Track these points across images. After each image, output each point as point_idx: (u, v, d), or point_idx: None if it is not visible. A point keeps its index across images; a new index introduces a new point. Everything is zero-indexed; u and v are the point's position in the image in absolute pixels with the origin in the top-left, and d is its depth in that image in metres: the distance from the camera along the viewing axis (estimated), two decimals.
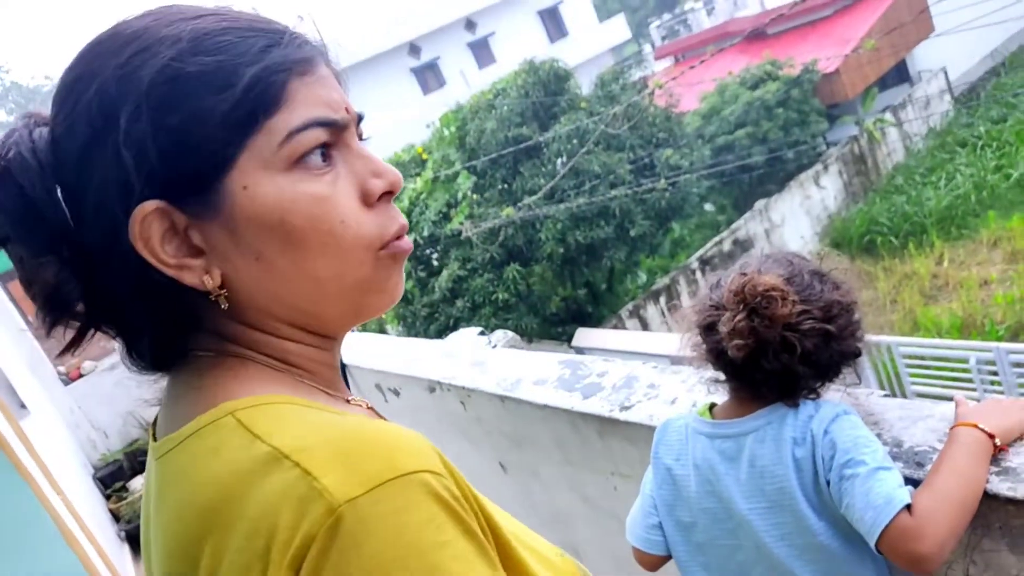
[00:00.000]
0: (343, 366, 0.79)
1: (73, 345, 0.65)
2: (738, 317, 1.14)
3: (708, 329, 1.21)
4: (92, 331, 0.64)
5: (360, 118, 0.66)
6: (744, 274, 1.17)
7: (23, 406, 3.47)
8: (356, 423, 0.56)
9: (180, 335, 0.63)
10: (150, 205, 0.56)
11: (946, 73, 16.87)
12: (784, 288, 1.13)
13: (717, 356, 1.20)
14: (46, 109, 0.62)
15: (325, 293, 0.62)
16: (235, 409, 0.56)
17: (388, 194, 0.64)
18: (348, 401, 0.68)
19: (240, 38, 0.59)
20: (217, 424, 0.56)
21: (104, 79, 0.57)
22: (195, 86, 0.56)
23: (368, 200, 0.62)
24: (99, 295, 0.61)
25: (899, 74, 17.36)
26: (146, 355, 0.65)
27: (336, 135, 0.61)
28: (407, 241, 0.66)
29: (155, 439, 0.64)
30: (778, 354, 1.13)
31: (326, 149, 0.61)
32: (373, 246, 0.62)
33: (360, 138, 0.66)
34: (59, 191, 0.59)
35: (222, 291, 0.60)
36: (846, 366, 1.20)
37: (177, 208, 0.57)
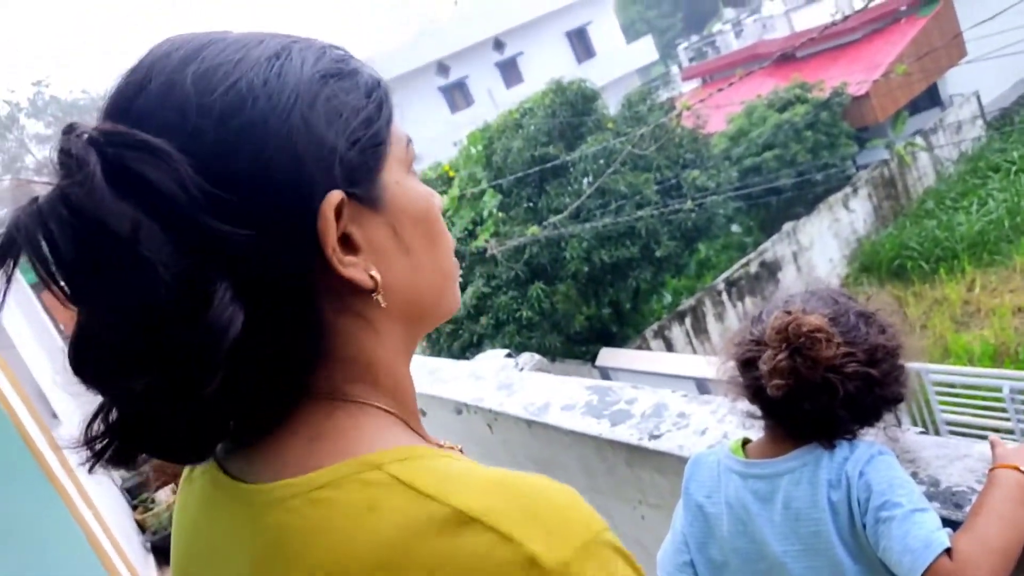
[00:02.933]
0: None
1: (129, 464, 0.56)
2: (780, 356, 1.12)
3: (747, 364, 1.20)
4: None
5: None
6: (788, 312, 1.16)
7: (55, 416, 3.53)
8: (515, 478, 0.53)
9: (301, 373, 0.57)
10: (338, 194, 0.53)
11: (979, 98, 16.67)
12: (829, 330, 1.11)
13: (755, 393, 1.19)
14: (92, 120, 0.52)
15: (447, 286, 0.66)
16: (382, 463, 0.52)
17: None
18: (441, 446, 0.65)
19: (346, 52, 0.62)
20: (363, 479, 0.51)
21: (262, 67, 0.53)
22: (353, 80, 0.59)
23: None
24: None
25: (930, 98, 17.19)
26: (252, 417, 0.56)
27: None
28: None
29: (224, 472, 0.58)
30: (818, 396, 1.12)
31: None
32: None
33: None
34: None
35: (379, 289, 0.57)
36: (887, 411, 1.18)
37: (353, 199, 0.55)
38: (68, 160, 0.47)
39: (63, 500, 2.36)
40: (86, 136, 0.48)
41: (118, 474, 5.18)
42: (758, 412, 1.23)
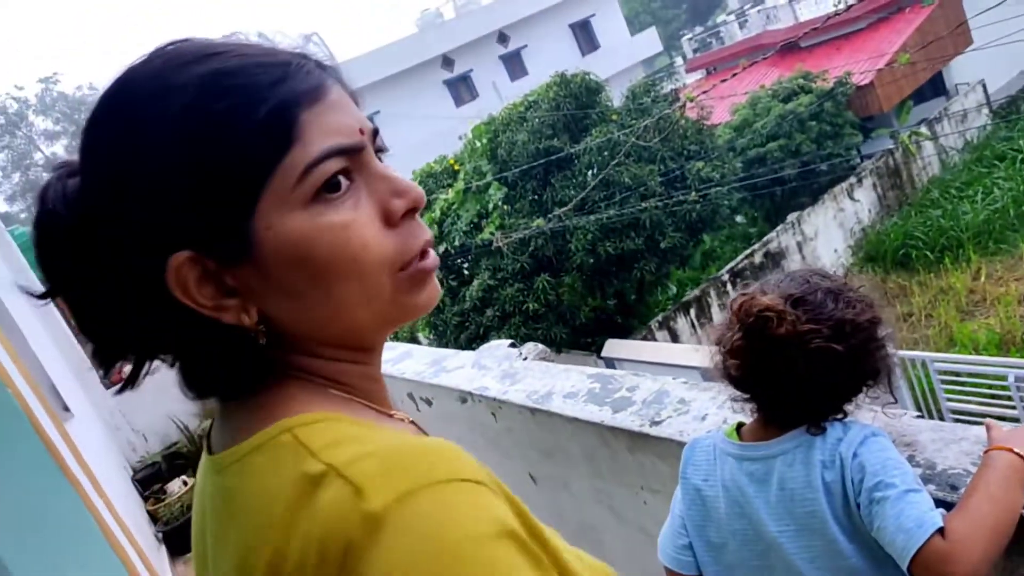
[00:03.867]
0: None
1: (132, 381, 0.67)
2: (735, 336, 1.16)
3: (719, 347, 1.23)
4: (150, 363, 0.66)
5: (376, 132, 0.66)
6: (744, 294, 1.19)
7: (67, 408, 3.57)
8: (404, 438, 0.59)
9: (238, 366, 0.64)
10: (180, 256, 0.58)
11: (984, 86, 16.58)
12: (781, 308, 1.13)
13: (728, 375, 1.22)
14: (74, 157, 0.63)
15: (354, 315, 0.63)
16: (292, 426, 0.58)
17: (411, 211, 0.65)
18: (392, 415, 0.70)
19: (248, 76, 0.58)
20: (276, 441, 0.58)
21: (119, 134, 0.58)
22: (207, 136, 0.56)
23: (391, 220, 0.63)
24: (148, 341, 0.64)
25: (935, 87, 17.11)
26: (217, 383, 0.66)
27: (353, 159, 0.61)
28: (431, 259, 0.66)
29: (211, 452, 0.66)
30: (780, 372, 1.14)
31: (346, 174, 0.61)
32: (395, 266, 0.63)
33: (379, 151, 0.66)
34: (101, 243, 0.60)
35: (260, 327, 0.62)
36: (867, 386, 1.20)
37: (206, 256, 0.58)
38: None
39: (77, 491, 2.39)
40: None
41: (131, 465, 5.23)
42: (740, 395, 1.25)
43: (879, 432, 1.15)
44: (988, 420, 1.21)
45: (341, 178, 0.60)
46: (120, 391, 0.69)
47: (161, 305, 0.60)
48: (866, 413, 1.31)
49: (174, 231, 0.58)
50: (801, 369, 1.12)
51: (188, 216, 0.57)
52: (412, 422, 0.74)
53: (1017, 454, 1.09)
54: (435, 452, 0.55)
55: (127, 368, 0.68)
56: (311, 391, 0.64)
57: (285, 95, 0.58)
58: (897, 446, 1.18)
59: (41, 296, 0.63)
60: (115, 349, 0.64)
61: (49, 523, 2.28)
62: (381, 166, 0.64)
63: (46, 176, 0.64)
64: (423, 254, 0.65)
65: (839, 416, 1.21)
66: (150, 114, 0.57)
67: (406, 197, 0.64)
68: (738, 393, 1.24)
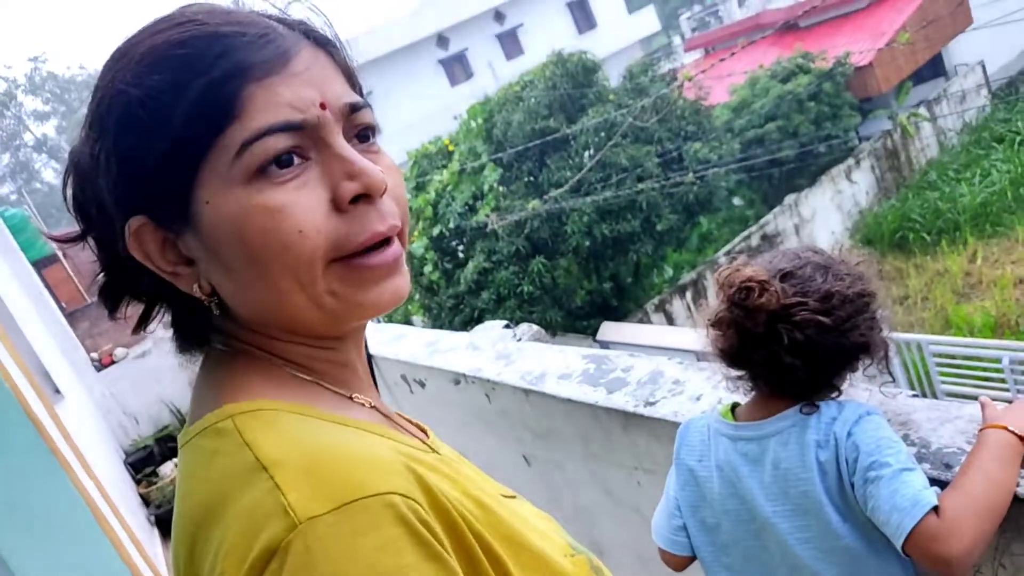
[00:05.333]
0: (369, 357, 0.79)
1: (141, 324, 0.70)
2: (719, 308, 1.15)
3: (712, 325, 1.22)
4: (158, 308, 0.69)
5: (355, 107, 0.62)
6: (729, 265, 1.18)
7: (58, 391, 3.55)
8: (337, 439, 0.56)
9: (198, 326, 0.67)
10: (135, 221, 0.60)
11: (984, 67, 16.50)
12: (763, 279, 1.12)
13: (717, 349, 1.21)
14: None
15: (290, 303, 0.60)
16: (235, 413, 0.58)
17: (366, 197, 0.60)
18: (352, 399, 0.67)
19: (195, 49, 0.56)
20: (218, 428, 0.58)
21: (95, 100, 0.62)
22: (145, 107, 0.57)
23: (339, 205, 0.59)
24: (144, 289, 0.68)
25: (934, 68, 17.01)
26: (177, 339, 0.70)
27: (307, 136, 0.58)
28: (385, 254, 0.61)
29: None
30: (765, 344, 1.13)
31: (300, 151, 0.58)
32: (327, 256, 0.59)
33: (366, 128, 0.63)
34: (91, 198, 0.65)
35: (212, 298, 0.62)
36: (856, 360, 1.18)
37: (157, 223, 0.60)
38: None
39: (67, 474, 2.38)
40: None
41: (123, 448, 5.23)
42: (734, 373, 1.24)
43: (874, 411, 1.14)
44: (983, 398, 1.19)
45: (295, 155, 0.57)
46: (136, 331, 0.72)
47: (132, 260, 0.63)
48: (861, 392, 1.29)
49: (128, 196, 0.60)
50: (787, 342, 1.11)
51: (133, 184, 0.59)
52: (374, 407, 0.70)
53: (1011, 432, 1.08)
54: (360, 460, 0.54)
55: (118, 351, 0.73)
56: (268, 373, 0.63)
57: (229, 68, 0.56)
58: (892, 425, 1.17)
59: (73, 239, 0.68)
60: (117, 289, 0.68)
61: (39, 506, 2.27)
62: (342, 145, 0.60)
63: (36, 157, 0.69)
64: (377, 247, 0.61)
65: (833, 394, 1.20)
66: (106, 83, 0.60)
67: (359, 180, 0.59)
68: (731, 371, 1.23)
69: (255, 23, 0.59)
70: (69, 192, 0.66)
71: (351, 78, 0.65)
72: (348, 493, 0.49)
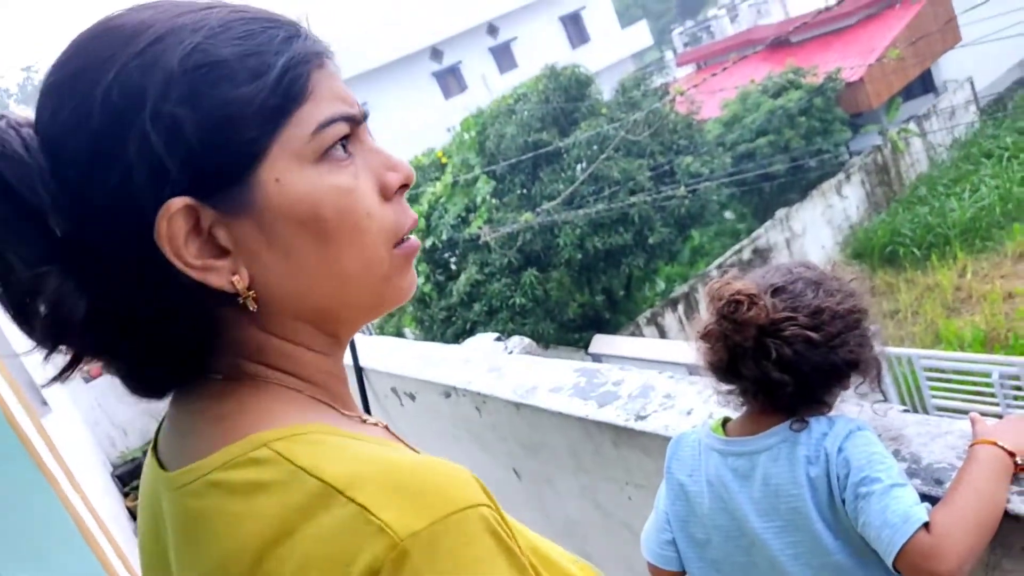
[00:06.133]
0: (359, 369, 0.79)
1: (68, 370, 0.60)
2: (708, 321, 1.15)
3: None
4: (88, 358, 0.60)
5: (366, 116, 0.65)
6: (719, 278, 1.18)
7: (45, 403, 3.52)
8: (401, 456, 0.56)
9: (196, 354, 0.60)
10: (179, 202, 0.53)
11: (972, 83, 16.67)
12: (752, 293, 1.12)
13: (706, 363, 1.21)
14: (19, 112, 0.58)
15: (350, 288, 0.61)
16: (269, 440, 0.54)
17: (403, 188, 0.64)
18: (364, 421, 0.67)
19: (263, 28, 0.57)
20: (252, 457, 0.53)
21: (123, 66, 0.53)
22: (229, 71, 0.54)
23: (387, 193, 0.62)
24: (106, 311, 0.56)
25: (924, 84, 17.19)
26: (156, 378, 0.61)
27: (353, 130, 0.60)
28: (415, 239, 0.65)
29: (162, 466, 0.61)
30: (754, 359, 1.13)
31: (345, 143, 0.60)
32: (391, 240, 0.62)
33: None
34: (71, 189, 0.54)
35: (250, 292, 0.57)
36: (847, 377, 1.18)
37: (206, 204, 0.54)
38: None
39: (53, 487, 2.35)
40: None
41: (110, 460, 5.19)
42: (723, 387, 1.24)
43: (864, 426, 1.14)
44: (973, 414, 1.19)
45: (343, 144, 0.59)
46: (53, 381, 0.61)
47: (131, 270, 0.54)
48: (852, 407, 1.29)
49: (179, 169, 0.53)
50: (776, 356, 1.11)
51: (196, 153, 0.53)
52: (386, 427, 0.70)
53: (1002, 448, 1.08)
54: (440, 473, 0.52)
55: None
56: (276, 394, 0.60)
57: (300, 51, 0.57)
58: (883, 440, 1.17)
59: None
60: (62, 328, 0.56)
61: (23, 518, 2.24)
62: (374, 141, 0.64)
63: None
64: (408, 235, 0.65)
65: (823, 410, 1.20)
66: (157, 49, 0.53)
67: (400, 171, 0.63)
68: (722, 385, 1.23)
69: (286, 18, 0.61)
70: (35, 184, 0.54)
71: None
72: (441, 507, 0.49)
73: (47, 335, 0.57)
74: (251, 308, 0.57)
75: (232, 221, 0.56)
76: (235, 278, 0.56)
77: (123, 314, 0.56)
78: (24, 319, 0.56)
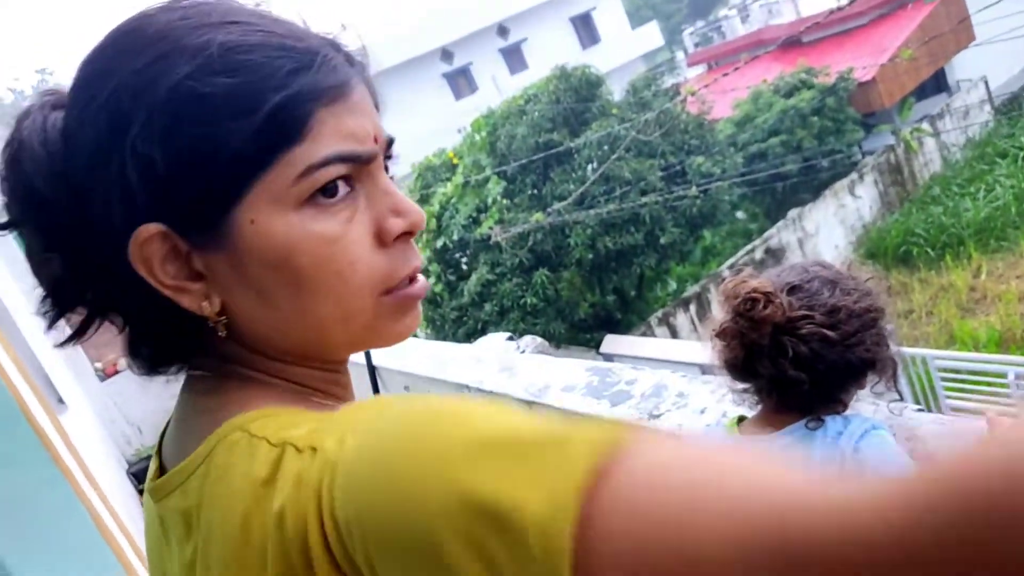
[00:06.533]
0: (372, 368, 0.78)
1: (77, 336, 0.62)
2: (724, 319, 1.15)
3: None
4: (97, 322, 0.62)
5: (391, 142, 0.62)
6: (735, 276, 1.18)
7: (61, 401, 3.55)
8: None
9: (181, 350, 0.62)
10: (151, 228, 0.53)
11: (986, 83, 16.54)
12: (768, 291, 1.12)
13: (721, 361, 1.21)
14: (66, 87, 0.58)
15: (327, 332, 0.58)
16: (242, 424, 0.53)
17: (407, 234, 0.60)
18: None
19: (267, 57, 0.53)
20: (227, 442, 0.53)
21: (119, 83, 0.52)
22: (212, 108, 0.51)
23: (384, 240, 0.58)
24: (100, 299, 0.60)
25: (937, 83, 17.06)
26: (146, 359, 0.62)
27: (359, 168, 0.57)
28: (420, 285, 0.62)
29: (162, 467, 0.61)
30: (770, 357, 1.13)
31: (347, 180, 0.56)
32: (377, 290, 0.58)
33: (388, 158, 0.62)
34: (67, 187, 0.55)
35: (221, 318, 0.57)
36: (863, 376, 1.18)
37: (179, 235, 0.54)
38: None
39: (70, 484, 2.38)
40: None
41: (126, 458, 5.22)
42: (737, 385, 1.24)
43: (880, 425, 1.14)
44: (990, 413, 1.18)
45: (340, 183, 0.55)
46: (65, 343, 0.64)
47: (120, 274, 0.55)
48: (867, 406, 1.29)
49: (151, 201, 0.53)
50: (792, 355, 1.11)
51: (168, 189, 0.52)
52: None
53: None
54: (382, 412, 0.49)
55: (122, 361, 0.66)
56: (261, 389, 0.59)
57: (305, 87, 0.53)
58: (898, 439, 1.16)
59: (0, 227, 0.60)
60: (61, 306, 0.60)
61: (41, 515, 2.26)
62: (386, 180, 0.60)
63: None
64: (412, 279, 0.61)
65: (839, 409, 1.20)
66: (153, 70, 0.52)
67: (406, 218, 0.59)
68: (737, 383, 1.23)
69: (313, 40, 0.57)
70: (19, 172, 0.56)
71: (377, 106, 0.63)
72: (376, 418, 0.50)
73: (49, 308, 0.60)
74: (221, 333, 0.58)
75: (205, 253, 0.55)
76: (204, 303, 0.56)
77: (115, 306, 0.60)
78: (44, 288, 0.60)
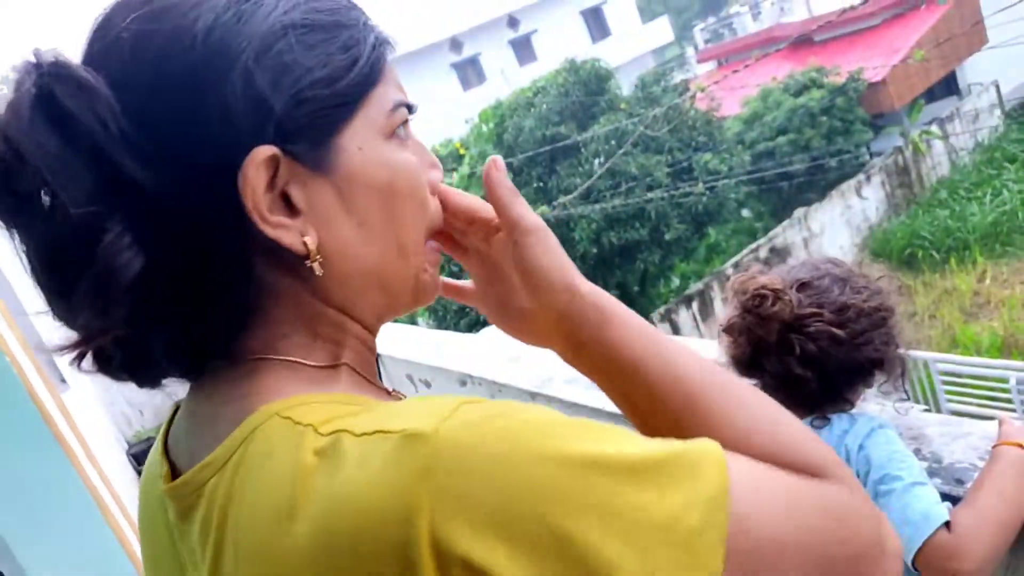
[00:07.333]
0: (376, 356, 0.78)
1: (85, 345, 0.53)
2: (732, 315, 1.15)
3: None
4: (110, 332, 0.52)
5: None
6: (744, 273, 1.18)
7: (63, 380, 3.56)
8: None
9: (234, 330, 0.55)
10: (267, 150, 0.50)
11: (998, 87, 16.46)
12: (777, 288, 1.12)
13: (729, 357, 1.21)
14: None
15: (407, 266, 0.60)
16: (280, 410, 0.50)
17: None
18: (390, 393, 0.64)
19: (350, 6, 0.58)
20: (264, 429, 0.49)
21: (225, 7, 0.51)
22: (326, 36, 0.54)
23: (432, 187, 0.63)
24: (159, 272, 0.50)
25: (948, 86, 16.99)
26: (181, 354, 0.56)
27: (407, 121, 0.61)
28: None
29: (173, 468, 0.57)
30: (777, 354, 1.12)
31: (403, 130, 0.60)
32: (429, 232, 0.62)
33: None
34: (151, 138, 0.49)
35: (318, 256, 0.54)
36: (870, 376, 1.18)
37: (292, 158, 0.52)
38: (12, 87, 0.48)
39: (71, 462, 2.38)
40: (30, 63, 0.48)
41: (126, 439, 5.24)
42: (744, 381, 1.24)
43: (886, 424, 1.13)
44: (1002, 415, 1.18)
45: (402, 128, 0.59)
46: (72, 357, 0.54)
47: (191, 225, 0.50)
48: (873, 405, 1.29)
49: (274, 119, 0.51)
50: (800, 352, 1.11)
51: (292, 104, 0.51)
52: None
53: None
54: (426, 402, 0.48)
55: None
56: (301, 370, 0.55)
57: (382, 35, 0.59)
58: (904, 439, 1.16)
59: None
60: (111, 288, 0.48)
61: (43, 493, 2.27)
62: (416, 137, 0.63)
63: None
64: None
65: (846, 408, 1.19)
66: (248, 5, 0.52)
67: (438, 171, 0.64)
68: (743, 379, 1.23)
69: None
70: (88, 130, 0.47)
71: None
72: (446, 405, 0.46)
73: (90, 293, 0.48)
74: (318, 272, 0.54)
75: (310, 182, 0.53)
76: (307, 239, 0.53)
77: (178, 276, 0.51)
78: (65, 275, 0.49)
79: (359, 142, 0.55)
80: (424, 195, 0.60)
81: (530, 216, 0.64)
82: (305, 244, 0.53)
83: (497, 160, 0.65)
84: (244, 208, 0.50)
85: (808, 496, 0.51)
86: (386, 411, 0.47)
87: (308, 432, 0.46)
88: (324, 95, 0.53)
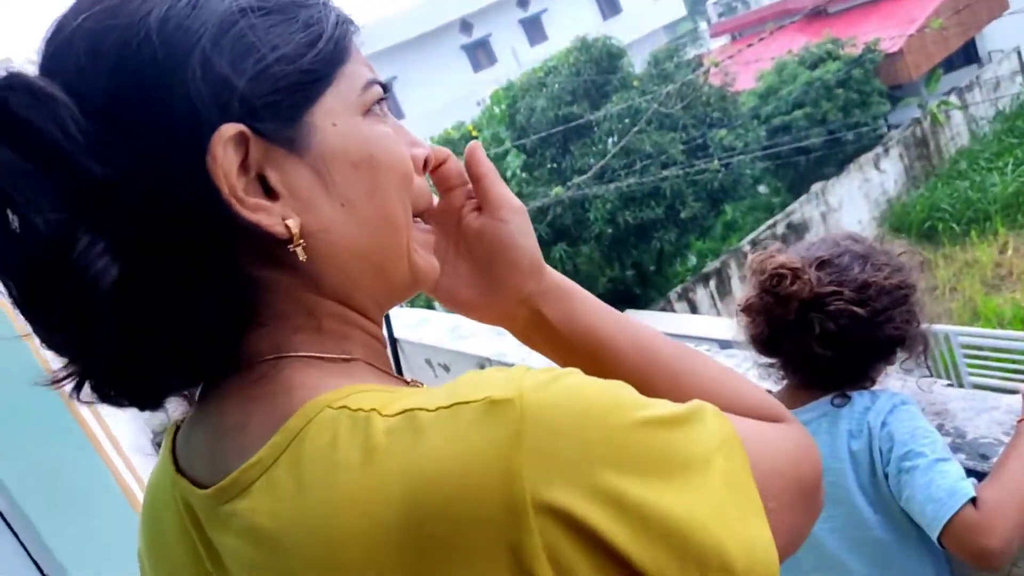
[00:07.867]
0: (393, 341, 0.77)
1: (66, 375, 0.52)
2: (750, 294, 1.14)
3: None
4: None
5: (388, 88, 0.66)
6: (763, 251, 1.17)
7: None
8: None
9: (231, 335, 0.53)
10: (232, 127, 0.48)
11: (1020, 53, 16.13)
12: (795, 267, 1.10)
13: (748, 336, 1.20)
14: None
15: (399, 243, 0.57)
16: (329, 402, 0.48)
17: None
18: (408, 383, 0.62)
19: None
20: (317, 422, 0.47)
21: (171, 2, 0.49)
22: (287, 14, 0.53)
23: (417, 165, 0.60)
24: (137, 281, 0.48)
25: (967, 55, 16.68)
26: (181, 367, 0.53)
27: (382, 99, 0.59)
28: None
29: (195, 484, 0.53)
30: (796, 333, 1.11)
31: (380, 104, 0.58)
32: (415, 208, 0.59)
33: None
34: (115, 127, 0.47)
35: (300, 241, 0.51)
36: (892, 354, 1.16)
37: (262, 137, 0.50)
38: None
39: (96, 450, 2.42)
40: None
41: (150, 427, 5.31)
42: (763, 360, 1.23)
43: (908, 400, 1.12)
44: None
45: (378, 106, 0.58)
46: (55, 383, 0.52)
47: (167, 223, 0.48)
48: (895, 381, 1.27)
49: (238, 98, 0.49)
50: (819, 331, 1.10)
51: (257, 81, 0.50)
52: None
53: None
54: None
55: None
56: (321, 365, 0.54)
57: (340, 13, 0.57)
58: (927, 415, 1.15)
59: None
60: (93, 305, 0.47)
61: (69, 480, 2.31)
62: (393, 118, 0.61)
63: None
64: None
65: (867, 385, 1.18)
66: None
67: (421, 148, 0.62)
68: (762, 358, 1.22)
69: None
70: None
71: None
72: (518, 375, 0.47)
73: (70, 310, 0.47)
74: (301, 257, 0.51)
75: (287, 162, 0.51)
76: (289, 221, 0.50)
77: (160, 281, 0.49)
78: (45, 296, 0.48)
79: (332, 118, 0.53)
80: (407, 167, 0.58)
81: (513, 196, 0.66)
82: (288, 227, 0.50)
83: (477, 143, 0.67)
84: (220, 195, 0.48)
85: (783, 435, 0.59)
86: (452, 387, 0.48)
87: (373, 416, 0.46)
88: (288, 71, 0.51)
